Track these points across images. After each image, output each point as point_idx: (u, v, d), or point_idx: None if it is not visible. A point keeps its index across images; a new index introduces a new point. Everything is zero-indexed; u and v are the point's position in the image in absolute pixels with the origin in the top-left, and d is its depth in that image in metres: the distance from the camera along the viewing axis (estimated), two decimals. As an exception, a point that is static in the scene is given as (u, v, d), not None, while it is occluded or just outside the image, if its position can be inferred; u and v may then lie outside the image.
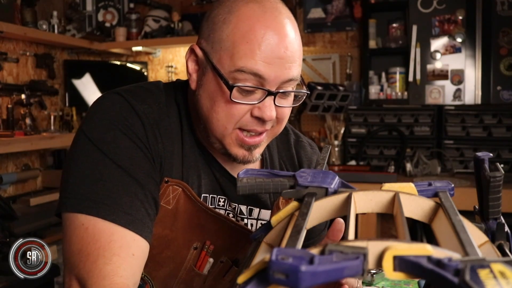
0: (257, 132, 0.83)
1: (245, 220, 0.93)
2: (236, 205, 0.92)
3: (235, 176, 0.91)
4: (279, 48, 0.77)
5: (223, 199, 0.91)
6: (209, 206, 0.88)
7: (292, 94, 0.85)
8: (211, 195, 0.90)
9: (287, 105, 0.84)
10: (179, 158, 0.86)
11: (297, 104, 0.88)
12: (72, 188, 0.76)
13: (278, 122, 0.85)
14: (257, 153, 0.86)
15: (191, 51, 0.85)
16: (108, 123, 0.79)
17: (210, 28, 0.82)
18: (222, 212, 0.90)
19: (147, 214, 0.77)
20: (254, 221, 0.94)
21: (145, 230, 0.76)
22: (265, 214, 0.95)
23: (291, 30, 0.80)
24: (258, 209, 0.95)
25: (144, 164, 0.79)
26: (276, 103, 0.81)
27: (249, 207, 0.94)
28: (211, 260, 0.90)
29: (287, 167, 1.01)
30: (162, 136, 0.83)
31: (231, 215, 0.92)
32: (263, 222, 0.95)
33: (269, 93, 0.79)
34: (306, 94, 0.87)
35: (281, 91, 0.80)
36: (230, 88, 0.78)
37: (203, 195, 0.89)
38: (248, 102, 0.79)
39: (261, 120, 0.81)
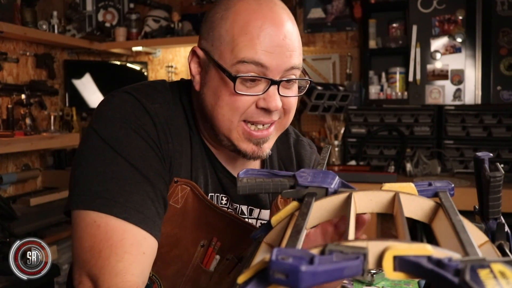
0: (263, 123, 0.83)
1: (246, 220, 0.94)
2: (238, 205, 0.93)
3: (235, 176, 0.92)
4: (277, 37, 0.79)
5: (226, 198, 0.92)
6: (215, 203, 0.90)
7: (296, 84, 0.86)
8: (216, 194, 0.91)
9: (291, 94, 0.84)
10: (188, 158, 0.87)
11: (302, 94, 0.88)
12: (83, 186, 0.76)
13: (285, 114, 0.86)
14: (267, 147, 0.86)
15: (193, 53, 0.86)
16: (120, 122, 0.79)
17: (209, 27, 0.84)
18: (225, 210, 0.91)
19: (157, 213, 0.77)
20: (254, 221, 0.95)
21: (155, 229, 0.76)
22: (265, 214, 0.96)
23: (287, 20, 0.82)
24: (258, 210, 0.96)
25: (155, 163, 0.79)
26: (280, 93, 0.81)
27: (249, 207, 0.95)
28: (217, 257, 0.91)
29: (286, 166, 1.02)
30: (172, 136, 0.84)
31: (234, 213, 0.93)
32: (263, 221, 0.96)
33: (273, 82, 0.80)
34: (309, 81, 0.87)
35: (284, 79, 0.81)
36: (234, 79, 0.79)
37: (209, 194, 0.90)
38: (252, 93, 0.80)
39: (267, 111, 0.82)
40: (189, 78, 0.90)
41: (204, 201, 0.87)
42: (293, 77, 0.83)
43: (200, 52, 0.85)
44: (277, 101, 0.81)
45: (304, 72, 0.87)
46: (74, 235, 0.76)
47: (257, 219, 0.96)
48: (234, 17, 0.80)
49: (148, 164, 0.78)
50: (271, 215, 0.95)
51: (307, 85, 0.88)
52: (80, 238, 0.74)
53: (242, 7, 0.80)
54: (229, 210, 0.92)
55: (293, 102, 0.86)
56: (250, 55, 0.78)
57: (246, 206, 0.94)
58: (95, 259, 0.72)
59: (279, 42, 0.79)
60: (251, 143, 0.84)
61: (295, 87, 0.86)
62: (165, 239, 0.83)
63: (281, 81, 0.81)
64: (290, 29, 0.81)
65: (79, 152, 0.81)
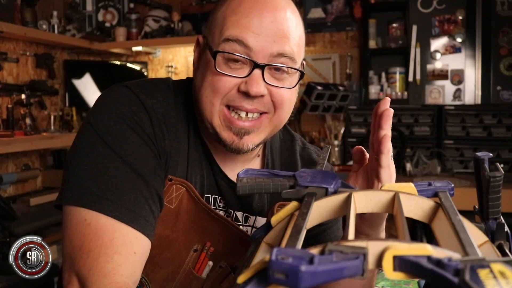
0: (246, 110, 0.80)
1: (241, 227, 0.91)
2: (232, 211, 0.91)
3: (233, 180, 0.89)
4: (266, 19, 0.77)
5: (224, 201, 0.90)
6: (211, 207, 0.87)
7: (291, 78, 0.82)
8: (213, 196, 0.89)
9: (279, 84, 0.80)
10: (185, 156, 0.85)
11: (291, 87, 0.82)
12: (75, 180, 0.74)
13: (276, 108, 0.81)
14: (249, 141, 0.81)
15: (197, 42, 0.88)
16: (116, 116, 0.78)
17: (210, 15, 0.85)
18: (222, 213, 0.89)
19: (151, 212, 0.75)
20: (249, 228, 0.92)
21: (148, 228, 0.74)
22: (261, 221, 0.93)
23: (284, 7, 0.80)
24: (254, 217, 0.92)
25: (150, 160, 0.78)
26: (266, 80, 0.78)
27: (245, 214, 0.92)
28: (210, 263, 0.88)
29: None
30: (169, 133, 0.82)
31: (229, 219, 0.90)
32: None
33: (256, 65, 0.77)
34: (301, 73, 0.83)
35: (269, 63, 0.78)
36: (214, 55, 0.78)
37: (205, 195, 0.88)
38: (234, 74, 0.78)
39: (249, 97, 0.78)
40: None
41: (199, 203, 0.85)
42: (282, 65, 0.79)
43: (201, 40, 0.86)
44: (259, 86, 0.77)
45: (302, 66, 0.84)
46: (64, 232, 0.74)
47: (252, 226, 0.92)
48: (229, 2, 0.81)
49: (143, 161, 0.77)
50: None
51: (298, 77, 0.83)
52: (70, 237, 0.72)
53: None
54: (226, 213, 0.90)
55: (285, 96, 0.81)
56: (235, 33, 0.77)
57: (242, 213, 0.91)
58: (84, 260, 0.70)
59: (267, 24, 0.77)
60: (232, 132, 0.80)
61: (288, 80, 0.81)
62: (157, 240, 0.81)
63: (265, 65, 0.77)
64: (283, 15, 0.79)
65: (74, 145, 0.79)
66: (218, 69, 0.78)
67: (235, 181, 0.87)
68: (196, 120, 0.88)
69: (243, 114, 0.80)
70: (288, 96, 0.82)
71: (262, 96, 0.79)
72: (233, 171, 0.90)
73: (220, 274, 0.89)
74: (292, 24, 0.80)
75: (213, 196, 0.89)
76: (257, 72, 0.78)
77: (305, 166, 0.98)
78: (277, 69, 0.80)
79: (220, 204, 0.90)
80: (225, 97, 0.79)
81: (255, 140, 0.82)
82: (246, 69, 0.78)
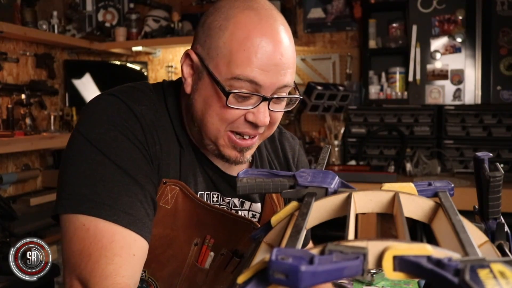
0: (249, 134, 0.85)
1: (239, 212, 0.96)
2: (230, 199, 0.95)
3: (227, 172, 0.94)
4: (275, 55, 0.80)
5: (217, 195, 0.94)
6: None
7: (286, 99, 0.87)
8: (206, 192, 0.92)
9: (280, 109, 0.87)
10: (177, 158, 0.88)
11: (289, 109, 0.90)
12: (71, 189, 0.76)
13: (269, 126, 0.88)
14: (249, 154, 0.89)
15: (186, 56, 0.87)
16: (107, 124, 0.79)
17: (206, 34, 0.84)
18: (216, 206, 0.93)
19: (146, 215, 0.78)
20: (246, 212, 0.98)
21: (145, 230, 0.76)
22: (255, 206, 0.99)
23: (285, 37, 0.82)
24: (249, 202, 0.98)
25: (143, 165, 0.80)
26: (270, 108, 0.83)
27: (240, 200, 0.97)
28: (212, 254, 0.92)
29: (273, 159, 1.05)
30: (159, 137, 0.85)
31: (225, 208, 0.94)
32: (254, 213, 0.98)
33: (264, 98, 0.81)
34: (299, 99, 0.89)
35: (275, 96, 0.83)
36: (227, 94, 0.80)
37: (199, 192, 0.91)
38: (243, 107, 0.82)
39: (254, 125, 0.83)
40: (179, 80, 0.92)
41: (194, 199, 0.88)
42: (284, 94, 0.84)
43: (194, 57, 0.85)
44: (266, 118, 0.83)
45: (295, 87, 0.89)
46: (63, 239, 0.76)
47: (248, 210, 0.98)
48: (233, 30, 0.80)
49: (136, 166, 0.79)
50: (266, 207, 0.98)
51: (297, 101, 0.90)
52: (70, 242, 0.74)
53: (242, 20, 0.80)
54: (221, 205, 0.94)
55: (279, 116, 0.88)
56: (246, 73, 0.78)
57: (238, 199, 0.96)
58: (84, 263, 0.72)
59: (275, 61, 0.79)
60: (236, 150, 0.86)
61: (283, 102, 0.88)
62: (158, 241, 0.84)
63: (272, 98, 0.82)
64: (287, 47, 0.82)
65: (66, 156, 0.81)
66: (229, 105, 0.81)
67: (228, 173, 0.94)
68: (181, 122, 0.91)
69: (245, 136, 0.86)
70: (281, 115, 0.89)
71: None
72: (224, 165, 0.94)
73: (223, 261, 0.93)
74: (292, 51, 0.84)
75: (206, 192, 0.92)
76: (263, 104, 0.82)
77: (284, 149, 1.07)
78: (279, 97, 0.85)
79: (213, 199, 0.94)
80: (231, 124, 0.83)
81: (252, 152, 0.90)
82: (253, 100, 0.82)
